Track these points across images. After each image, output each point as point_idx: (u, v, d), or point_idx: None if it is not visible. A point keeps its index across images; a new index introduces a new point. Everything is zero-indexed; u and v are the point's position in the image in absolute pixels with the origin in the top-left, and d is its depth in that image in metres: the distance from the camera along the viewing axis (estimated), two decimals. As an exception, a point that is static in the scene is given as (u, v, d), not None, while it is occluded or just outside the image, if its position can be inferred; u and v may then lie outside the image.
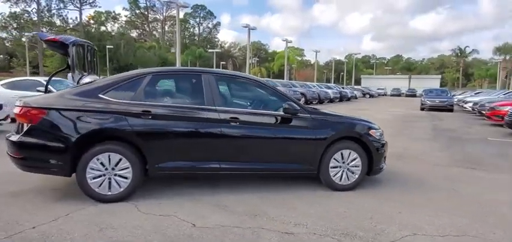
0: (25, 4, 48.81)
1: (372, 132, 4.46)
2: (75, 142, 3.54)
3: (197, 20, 79.57)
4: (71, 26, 52.88)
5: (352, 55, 77.85)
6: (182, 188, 4.21)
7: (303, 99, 20.71)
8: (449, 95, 22.07)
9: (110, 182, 3.68)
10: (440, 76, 70.47)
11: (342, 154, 4.31)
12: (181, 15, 69.51)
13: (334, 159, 4.29)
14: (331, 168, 4.29)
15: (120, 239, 2.94)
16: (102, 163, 3.64)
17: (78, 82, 4.47)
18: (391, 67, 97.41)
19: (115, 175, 3.69)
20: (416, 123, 13.89)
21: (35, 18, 48.34)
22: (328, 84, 36.84)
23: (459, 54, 64.04)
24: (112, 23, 62.70)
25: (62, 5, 51.35)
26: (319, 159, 4.23)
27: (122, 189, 3.72)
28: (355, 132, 4.36)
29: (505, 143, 8.78)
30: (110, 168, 3.66)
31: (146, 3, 70.53)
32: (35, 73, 42.56)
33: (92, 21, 57.47)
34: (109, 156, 3.65)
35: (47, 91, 3.87)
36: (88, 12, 69.91)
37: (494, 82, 61.20)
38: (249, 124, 4.04)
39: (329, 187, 4.34)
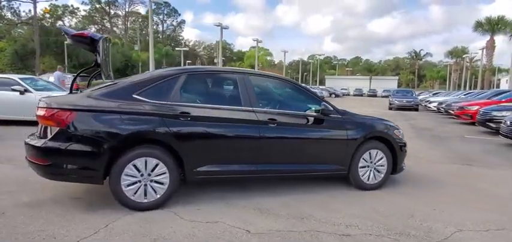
0: (-31, -6, 44.23)
1: (396, 132, 4.58)
2: (110, 146, 3.26)
3: (161, 17, 77.24)
4: (23, 19, 48.82)
5: (314, 55, 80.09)
6: (211, 192, 4.04)
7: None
8: (414, 95, 23.43)
9: (145, 189, 3.44)
10: (397, 77, 74.60)
11: (370, 153, 4.39)
12: (143, 12, 67.17)
13: (363, 158, 4.36)
14: (360, 167, 4.35)
15: (180, 250, 2.75)
16: (137, 169, 3.38)
17: (89, 83, 4.14)
18: (351, 68, 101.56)
19: (151, 181, 3.45)
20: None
21: (-19, 10, 43.98)
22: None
23: (415, 57, 68.33)
24: (70, 17, 58.90)
25: (13, -4, 47.22)
26: (350, 159, 4.27)
27: (158, 196, 3.49)
28: (382, 132, 4.45)
29: (482, 140, 9.47)
30: (146, 174, 3.42)
31: (107, -2, 67.18)
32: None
33: (47, 15, 53.48)
34: (145, 161, 3.41)
35: (71, 91, 3.52)
36: (43, 5, 64.92)
37: (444, 83, 66.07)
38: (285, 125, 3.97)
39: (357, 187, 4.40)
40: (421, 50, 76.47)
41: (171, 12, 77.95)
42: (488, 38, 31.01)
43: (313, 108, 4.18)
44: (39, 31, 40.17)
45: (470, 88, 39.83)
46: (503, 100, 12.86)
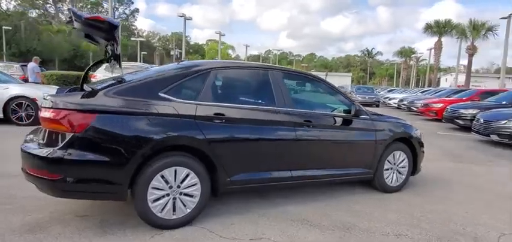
0: None
1: (416, 132, 4.51)
2: (137, 155, 2.72)
3: (113, 3, 72.39)
4: None
5: (271, 51, 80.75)
6: (229, 202, 3.63)
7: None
8: (375, 92, 24.50)
9: (174, 203, 2.95)
10: (350, 74, 77.99)
11: (394, 155, 4.27)
12: (93, -2, 62.51)
13: (388, 160, 4.23)
14: (384, 170, 4.22)
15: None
16: (166, 181, 2.88)
17: (84, 77, 3.50)
18: (307, 64, 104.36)
19: (181, 194, 2.97)
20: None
21: None
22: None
23: (367, 55, 71.97)
24: (7, 0, 52.78)
25: None
26: (378, 161, 4.11)
27: (188, 211, 3.02)
28: (406, 133, 4.35)
29: (456, 137, 9.99)
30: (175, 186, 2.93)
31: (50, -20, 61.26)
32: None
33: (-23, -4, 47.43)
34: (175, 171, 2.91)
35: (82, 88, 2.87)
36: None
37: (391, 80, 70.43)
38: (320, 127, 3.68)
39: (381, 190, 4.26)
40: (373, 48, 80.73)
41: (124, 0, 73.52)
42: (436, 39, 33.53)
43: (342, 108, 3.94)
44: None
45: (417, 86, 42.83)
46: (464, 98, 13.79)
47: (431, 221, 3.50)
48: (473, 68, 35.91)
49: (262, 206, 3.59)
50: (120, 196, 2.77)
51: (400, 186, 4.38)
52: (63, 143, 2.57)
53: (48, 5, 64.32)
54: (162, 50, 76.55)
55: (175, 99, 2.95)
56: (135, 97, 2.83)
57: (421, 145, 4.57)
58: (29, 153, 2.68)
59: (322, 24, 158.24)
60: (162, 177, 2.86)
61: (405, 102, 18.35)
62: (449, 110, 11.59)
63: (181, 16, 29.75)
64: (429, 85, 36.03)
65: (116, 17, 74.29)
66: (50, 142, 2.68)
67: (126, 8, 75.15)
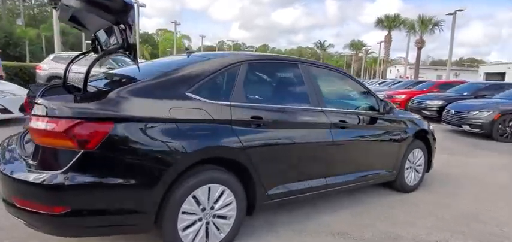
0: None
1: (430, 127, 4.36)
2: (168, 172, 2.12)
3: (49, -14, 65.70)
4: None
5: (223, 41, 79.58)
6: (265, 217, 3.16)
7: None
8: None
9: (207, 228, 2.40)
10: (304, 65, 79.57)
11: (413, 153, 4.07)
12: (27, -20, 56.40)
13: (408, 159, 4.02)
14: (405, 169, 4.01)
15: None
16: (198, 202, 2.32)
17: (65, 74, 2.81)
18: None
19: (214, 216, 2.42)
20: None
21: None
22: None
23: (320, 46, 73.93)
24: None
25: None
26: (401, 161, 3.87)
27: (223, 235, 2.49)
28: (424, 130, 4.16)
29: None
30: (208, 208, 2.37)
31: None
32: None
33: None
34: (209, 190, 2.36)
35: (85, 89, 2.13)
36: None
37: (341, 72, 73.11)
38: (354, 127, 3.32)
39: (400, 190, 4.05)
40: (325, 40, 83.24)
41: (61, -17, 67.06)
42: (386, 33, 35.35)
43: (370, 104, 3.62)
44: None
45: (363, 78, 44.89)
46: (424, 89, 14.52)
47: (462, 223, 3.32)
48: (411, 61, 38.74)
49: (295, 220, 3.15)
50: (144, 226, 2.16)
51: (417, 185, 4.21)
52: (69, 164, 1.89)
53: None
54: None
55: (205, 99, 2.37)
56: (158, 99, 2.21)
57: (435, 140, 4.44)
58: (15, 179, 1.94)
59: (273, 15, 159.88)
60: (194, 198, 2.30)
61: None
62: (416, 101, 12.04)
63: (134, 2, 27.61)
64: (374, 77, 37.86)
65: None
66: (46, 162, 1.96)
67: (66, -8, 68.82)
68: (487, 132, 8.30)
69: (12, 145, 2.45)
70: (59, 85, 3.02)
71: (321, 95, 3.12)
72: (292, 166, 2.84)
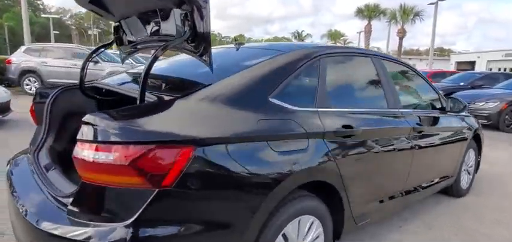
0: None
1: (479, 125, 4.00)
2: (261, 209, 1.57)
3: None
4: None
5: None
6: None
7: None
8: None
9: (296, 272, 1.87)
10: (281, 56, 79.46)
11: (468, 154, 3.71)
12: (-14, -35, 52.12)
13: (464, 161, 3.65)
14: (462, 171, 3.64)
15: None
16: (286, 239, 1.78)
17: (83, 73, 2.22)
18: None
19: (302, 254, 1.90)
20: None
21: None
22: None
23: (297, 37, 73.78)
24: None
25: None
26: (460, 163, 3.50)
27: (311, 276, 1.96)
28: (478, 128, 3.79)
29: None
30: (297, 245, 1.84)
31: None
32: None
33: None
34: (299, 222, 1.82)
35: (142, 99, 1.50)
36: None
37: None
38: (428, 130, 2.87)
39: (455, 195, 3.68)
40: (303, 30, 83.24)
41: (25, -30, 62.69)
42: (366, 23, 35.55)
43: (435, 103, 3.20)
44: None
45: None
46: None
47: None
48: (390, 50, 39.29)
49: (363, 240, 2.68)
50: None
51: (468, 188, 3.87)
52: (139, 211, 1.29)
53: None
54: (75, 29, 67.70)
55: (291, 106, 1.82)
56: (238, 109, 1.63)
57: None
58: (49, 234, 1.33)
59: (248, 4, 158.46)
60: (284, 236, 1.76)
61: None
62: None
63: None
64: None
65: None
66: (101, 208, 1.35)
67: (29, -20, 64.46)
68: (494, 123, 8.21)
69: (27, 173, 1.81)
70: (74, 87, 2.37)
71: (397, 95, 2.64)
72: (378, 182, 2.36)
